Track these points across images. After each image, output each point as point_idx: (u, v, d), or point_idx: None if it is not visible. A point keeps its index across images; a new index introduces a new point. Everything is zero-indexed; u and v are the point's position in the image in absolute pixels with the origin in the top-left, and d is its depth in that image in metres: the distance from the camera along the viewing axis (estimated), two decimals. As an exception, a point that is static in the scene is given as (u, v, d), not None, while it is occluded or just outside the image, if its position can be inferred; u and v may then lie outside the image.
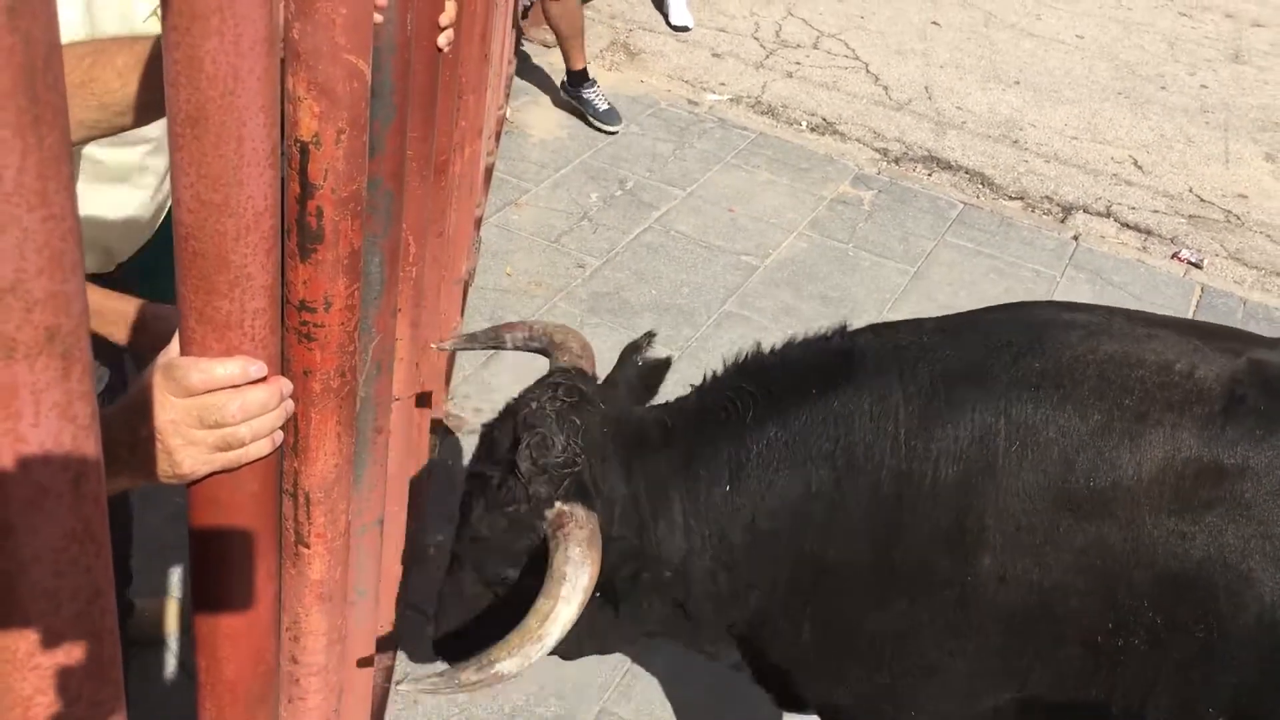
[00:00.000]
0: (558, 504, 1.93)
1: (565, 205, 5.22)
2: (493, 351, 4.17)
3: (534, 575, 1.96)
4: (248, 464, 1.07)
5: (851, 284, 4.97)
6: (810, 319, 4.59)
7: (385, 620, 2.87)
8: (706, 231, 5.20)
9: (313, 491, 1.51)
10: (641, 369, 2.24)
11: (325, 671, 1.77)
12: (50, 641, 0.65)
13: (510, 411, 2.12)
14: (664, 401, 2.24)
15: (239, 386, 1.01)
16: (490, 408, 3.95)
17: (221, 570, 1.11)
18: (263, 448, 1.07)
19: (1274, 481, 1.79)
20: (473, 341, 2.41)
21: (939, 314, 2.20)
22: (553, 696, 3.04)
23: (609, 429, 2.08)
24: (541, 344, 2.30)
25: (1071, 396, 1.87)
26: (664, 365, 2.27)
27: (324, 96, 1.22)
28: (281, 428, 1.10)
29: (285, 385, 1.09)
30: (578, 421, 2.01)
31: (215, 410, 1.01)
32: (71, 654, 0.67)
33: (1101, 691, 1.94)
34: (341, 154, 1.26)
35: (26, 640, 0.64)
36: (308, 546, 1.58)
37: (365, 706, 2.53)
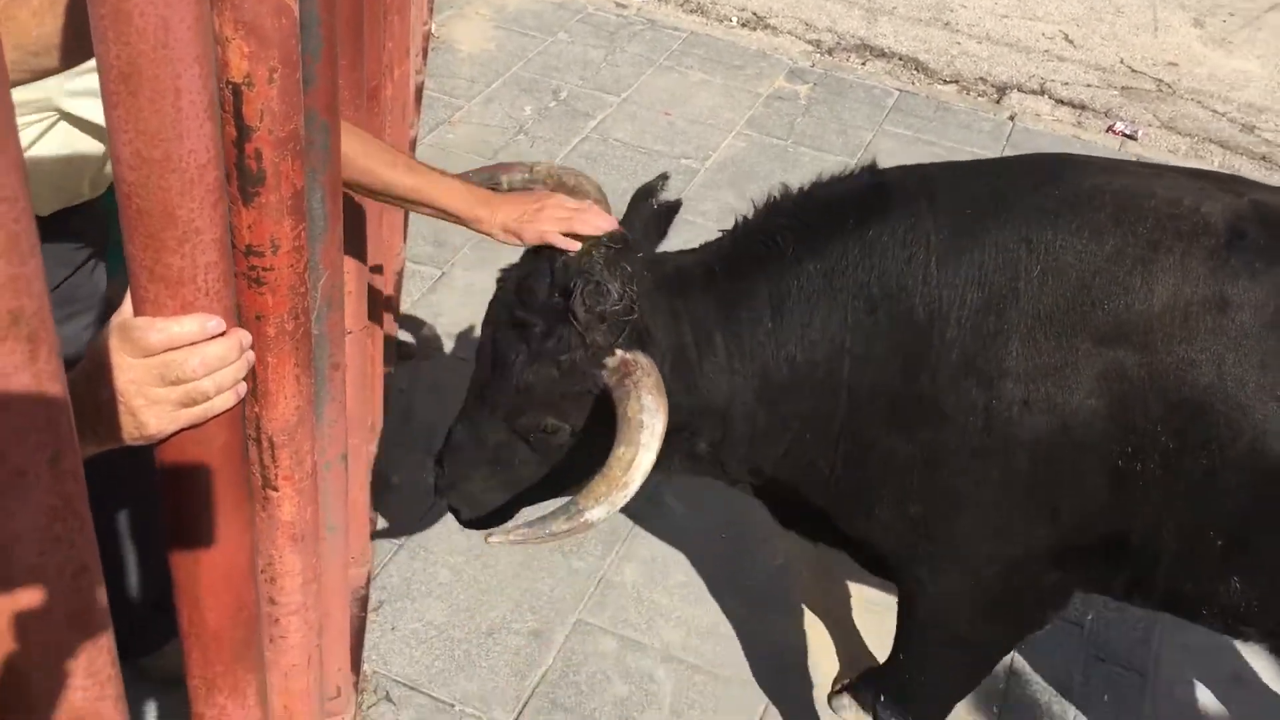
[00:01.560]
0: (620, 352, 1.95)
1: (500, 120, 5.14)
2: (439, 276, 4.14)
3: (580, 424, 2.03)
4: (214, 418, 1.07)
5: (793, 181, 4.94)
6: (754, 219, 4.58)
7: (356, 552, 2.89)
8: (644, 137, 5.16)
9: (276, 435, 1.51)
10: (655, 213, 2.22)
11: (304, 610, 1.78)
12: (41, 617, 0.66)
13: (545, 258, 2.08)
14: (696, 246, 2.25)
15: (197, 342, 1.00)
16: (441, 331, 3.93)
17: (197, 523, 1.11)
18: (227, 400, 1.07)
19: (1268, 314, 1.88)
20: (471, 175, 2.35)
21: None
22: (528, 612, 3.09)
23: (651, 276, 2.09)
24: (547, 187, 2.26)
25: (1090, 222, 1.94)
26: (675, 208, 2.25)
27: (253, 36, 1.18)
28: (244, 378, 1.09)
29: (244, 337, 1.08)
30: (629, 269, 2.01)
31: (176, 367, 1.00)
32: (64, 628, 0.67)
33: (1120, 524, 2.02)
34: (276, 93, 1.23)
35: (18, 618, 0.64)
36: (276, 489, 1.58)
37: (345, 638, 2.56)
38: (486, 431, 2.17)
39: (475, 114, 5.16)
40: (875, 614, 3.13)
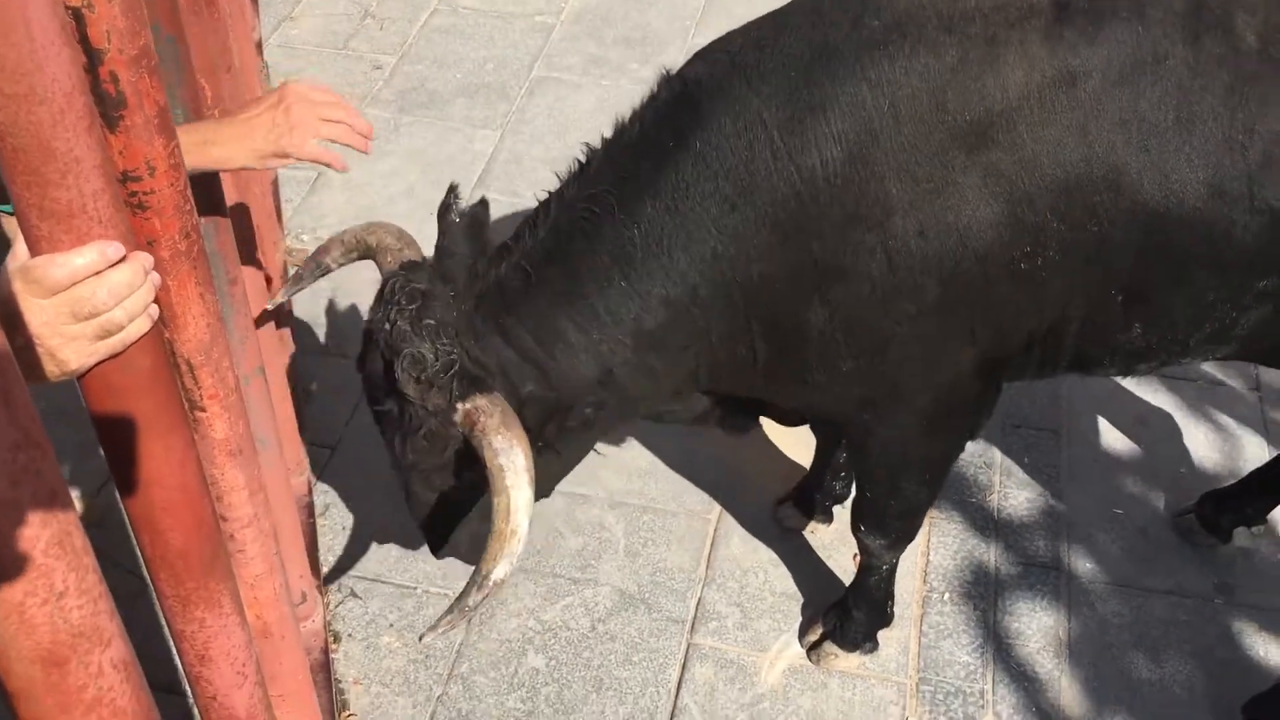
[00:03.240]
0: (460, 406, 1.96)
1: (343, 7, 4.98)
2: (315, 177, 4.06)
3: (475, 462, 2.03)
4: (132, 344, 1.08)
5: (650, 19, 4.91)
6: (619, 64, 4.55)
7: (293, 463, 2.91)
8: (494, 0, 5.04)
9: (193, 356, 1.51)
10: (464, 223, 2.12)
11: (256, 520, 1.82)
12: (26, 547, 0.68)
13: (371, 342, 2.12)
14: (508, 239, 2.16)
15: (101, 272, 1.01)
16: (327, 232, 3.88)
17: (141, 449, 1.13)
18: (142, 325, 1.07)
19: (1114, 72, 1.93)
20: (300, 283, 2.34)
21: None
22: (471, 487, 3.15)
23: (467, 305, 2.07)
24: (361, 251, 2.24)
25: (923, 40, 1.94)
26: (482, 209, 2.15)
27: (82, -45, 1.15)
28: (155, 300, 1.10)
29: (146, 259, 1.08)
30: (432, 322, 2.00)
31: (85, 301, 1.00)
32: (48, 553, 0.70)
33: (1032, 321, 2.11)
34: (118, 10, 1.20)
35: (5, 553, 0.67)
36: (204, 410, 1.59)
37: (299, 545, 2.61)
38: (424, 497, 2.26)
39: (316, 5, 4.99)
40: (793, 431, 3.25)
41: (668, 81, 2.11)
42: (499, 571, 1.86)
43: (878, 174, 1.94)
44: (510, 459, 1.89)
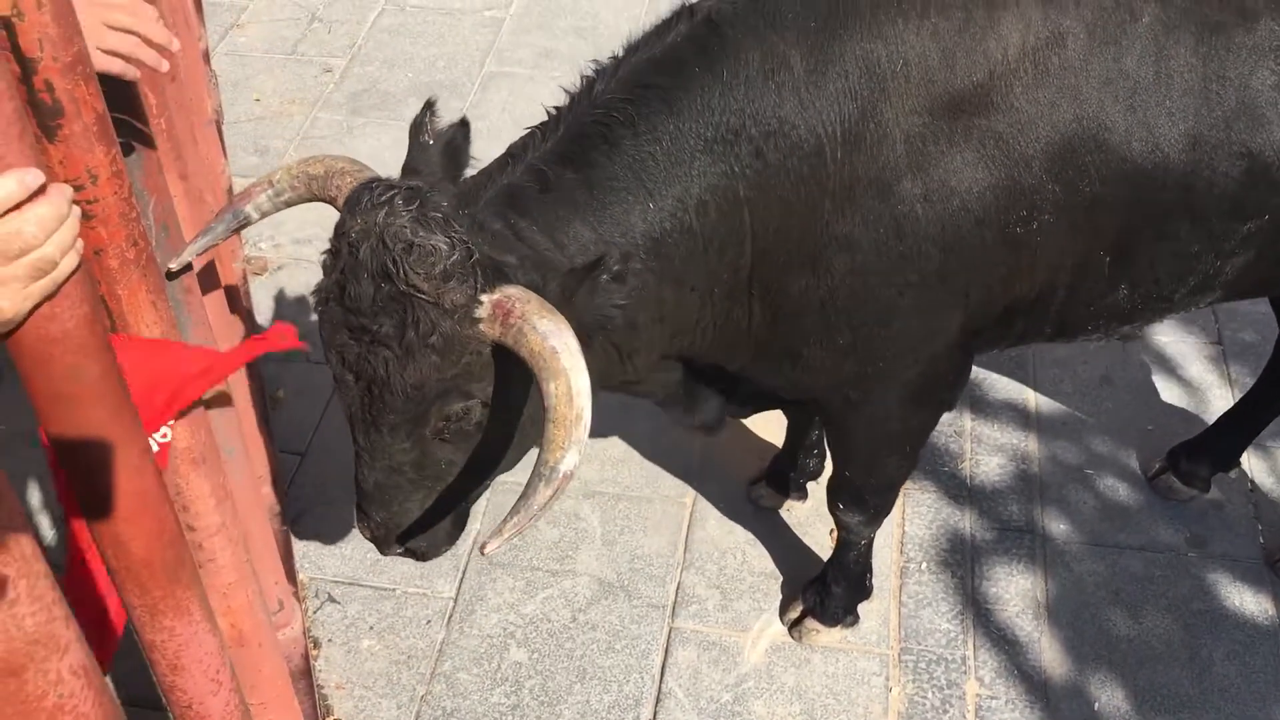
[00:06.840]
0: (485, 298, 1.73)
1: (289, 12, 4.94)
2: (270, 183, 4.03)
3: (486, 390, 1.85)
4: (64, 282, 1.04)
5: (599, 9, 4.90)
6: (571, 57, 4.54)
7: (262, 471, 2.89)
8: (442, -2, 5.02)
9: (149, 365, 1.50)
10: (440, 145, 1.93)
11: (225, 529, 1.81)
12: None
13: (346, 260, 1.78)
14: (512, 149, 2.01)
15: (23, 206, 0.97)
16: (287, 240, 3.86)
17: (94, 459, 1.12)
18: (72, 261, 1.03)
19: (1100, 34, 1.97)
20: (213, 236, 1.98)
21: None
22: (445, 485, 3.14)
23: (470, 209, 1.85)
24: (299, 191, 1.94)
25: (931, 2, 1.94)
26: (462, 129, 1.96)
27: (8, -36, 1.13)
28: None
29: (67, 190, 1.04)
30: (439, 215, 1.74)
31: (14, 239, 0.96)
32: (-5, 561, 0.69)
33: (1024, 284, 2.13)
34: (49, 18, 1.19)
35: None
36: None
37: (273, 553, 2.59)
38: (396, 457, 1.94)
39: (263, 10, 4.95)
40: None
41: (687, 12, 2.02)
42: (568, 462, 1.65)
43: (888, 135, 1.93)
44: (562, 340, 1.67)
